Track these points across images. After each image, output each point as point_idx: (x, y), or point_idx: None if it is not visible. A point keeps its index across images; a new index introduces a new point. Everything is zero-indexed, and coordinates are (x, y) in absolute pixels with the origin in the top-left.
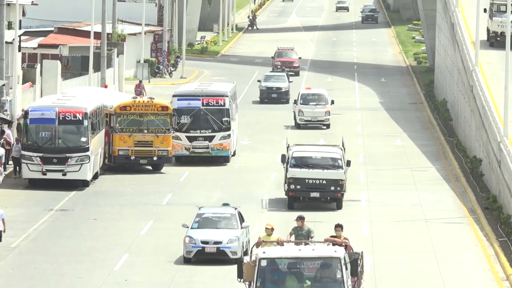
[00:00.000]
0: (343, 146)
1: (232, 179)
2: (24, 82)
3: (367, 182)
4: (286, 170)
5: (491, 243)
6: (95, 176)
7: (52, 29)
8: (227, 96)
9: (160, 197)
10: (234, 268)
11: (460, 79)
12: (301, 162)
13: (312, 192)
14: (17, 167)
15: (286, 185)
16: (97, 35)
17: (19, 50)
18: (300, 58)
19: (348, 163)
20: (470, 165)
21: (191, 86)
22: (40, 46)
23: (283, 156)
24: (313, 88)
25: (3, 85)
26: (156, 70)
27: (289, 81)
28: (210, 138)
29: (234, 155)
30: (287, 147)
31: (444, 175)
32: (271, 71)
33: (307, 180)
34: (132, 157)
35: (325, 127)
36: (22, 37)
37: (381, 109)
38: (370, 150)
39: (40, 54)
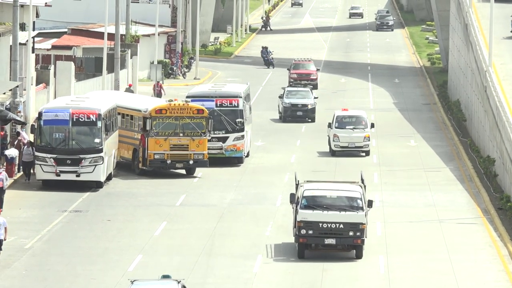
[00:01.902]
0: (362, 182)
1: (246, 180)
2: (37, 83)
3: (381, 182)
4: (296, 212)
5: (505, 244)
6: (109, 177)
7: (66, 30)
8: (241, 97)
9: (173, 198)
10: None
11: (474, 79)
12: (314, 203)
13: (326, 238)
14: (27, 171)
15: (295, 229)
16: (111, 36)
17: (33, 52)
18: (318, 69)
19: (370, 204)
20: (484, 165)
21: (204, 87)
22: (54, 47)
23: (292, 196)
24: (350, 109)
25: (17, 86)
26: (170, 71)
27: (315, 97)
28: (223, 139)
29: (247, 156)
30: (297, 184)
31: (458, 176)
32: (289, 86)
33: (320, 224)
34: (168, 161)
35: (364, 154)
36: (36, 39)
37: (395, 110)
38: (383, 151)
39: (54, 56)
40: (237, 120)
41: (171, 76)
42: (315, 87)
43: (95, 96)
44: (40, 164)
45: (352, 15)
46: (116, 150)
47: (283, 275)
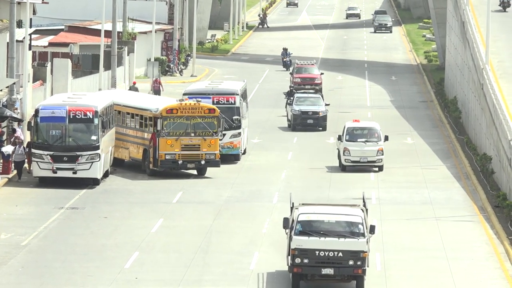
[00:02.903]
0: (364, 205)
1: (243, 177)
2: (34, 80)
3: (378, 180)
4: (290, 239)
5: (501, 241)
6: (106, 174)
7: (63, 27)
8: (238, 95)
9: (170, 195)
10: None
11: (471, 77)
12: (310, 228)
13: (324, 268)
14: (19, 171)
15: (289, 258)
16: (108, 34)
17: (30, 49)
18: (322, 73)
19: (372, 229)
20: (480, 162)
21: (201, 84)
22: (51, 44)
23: (286, 220)
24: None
25: (14, 83)
26: (167, 69)
27: (326, 104)
28: None
29: (244, 153)
30: (291, 207)
31: (455, 173)
32: (289, 91)
33: (317, 252)
34: (180, 161)
35: (377, 169)
36: (33, 36)
37: (392, 107)
38: None
39: (51, 53)
40: (233, 117)
41: (168, 73)
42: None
43: (95, 94)
44: (36, 161)
45: (349, 16)
46: (113, 147)
47: (280, 270)
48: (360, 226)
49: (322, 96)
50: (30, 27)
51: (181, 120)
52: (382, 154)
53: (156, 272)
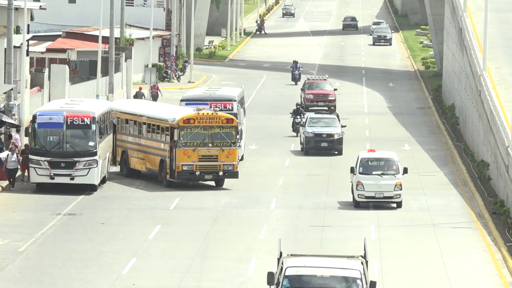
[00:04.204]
0: (365, 256)
1: (240, 184)
2: (32, 86)
3: None
4: None
5: (499, 248)
6: (103, 181)
7: (60, 33)
8: (235, 101)
9: (167, 201)
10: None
11: (468, 83)
12: (299, 285)
13: None
14: (12, 179)
15: None
16: (105, 40)
17: (27, 55)
18: (335, 89)
19: (372, 285)
20: (478, 169)
21: (199, 90)
22: (48, 50)
23: (270, 275)
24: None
25: (11, 89)
26: (164, 75)
27: (342, 126)
28: None
29: (242, 159)
30: (278, 258)
31: (452, 180)
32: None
33: None
34: (197, 173)
35: (395, 205)
36: (30, 42)
37: (389, 114)
38: None
39: (48, 59)
40: None
41: (166, 79)
42: (331, 110)
43: (90, 100)
44: (34, 167)
45: (346, 26)
46: (110, 153)
47: None
48: (358, 281)
49: (338, 117)
50: (28, 33)
51: (198, 130)
52: (401, 189)
53: (154, 278)
